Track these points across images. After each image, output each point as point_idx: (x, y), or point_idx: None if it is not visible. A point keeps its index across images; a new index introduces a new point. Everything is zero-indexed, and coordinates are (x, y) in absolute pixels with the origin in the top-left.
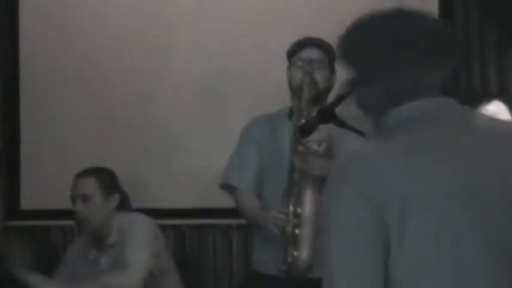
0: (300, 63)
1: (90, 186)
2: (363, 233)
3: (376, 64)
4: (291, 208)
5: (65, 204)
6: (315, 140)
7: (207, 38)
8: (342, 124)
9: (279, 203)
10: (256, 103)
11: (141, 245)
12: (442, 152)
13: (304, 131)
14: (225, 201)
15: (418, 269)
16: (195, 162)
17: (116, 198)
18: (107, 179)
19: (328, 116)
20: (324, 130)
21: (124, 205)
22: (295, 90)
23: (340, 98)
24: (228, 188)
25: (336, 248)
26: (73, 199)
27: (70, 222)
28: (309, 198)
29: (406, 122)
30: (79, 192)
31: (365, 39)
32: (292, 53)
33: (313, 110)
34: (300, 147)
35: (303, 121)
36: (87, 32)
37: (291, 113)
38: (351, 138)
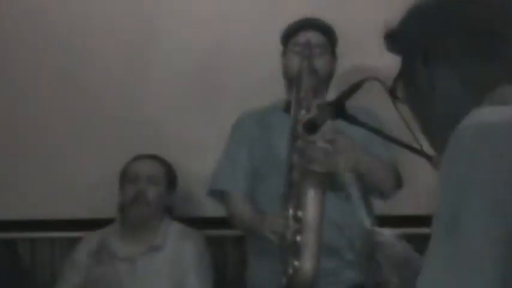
0: (297, 48)
1: (160, 170)
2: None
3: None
4: (291, 212)
5: (34, 214)
6: (338, 155)
7: (197, 29)
8: (353, 120)
9: (276, 208)
10: (251, 96)
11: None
12: None
13: (310, 128)
14: (218, 209)
15: None
16: (184, 165)
17: (172, 195)
18: (172, 170)
19: (338, 110)
20: (346, 139)
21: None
22: (292, 79)
23: (353, 89)
24: (217, 194)
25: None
26: (135, 179)
27: (40, 234)
28: (311, 199)
29: None
30: (147, 173)
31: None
32: (288, 36)
33: (313, 101)
34: (300, 142)
35: (303, 112)
36: (70, 27)
37: (287, 106)
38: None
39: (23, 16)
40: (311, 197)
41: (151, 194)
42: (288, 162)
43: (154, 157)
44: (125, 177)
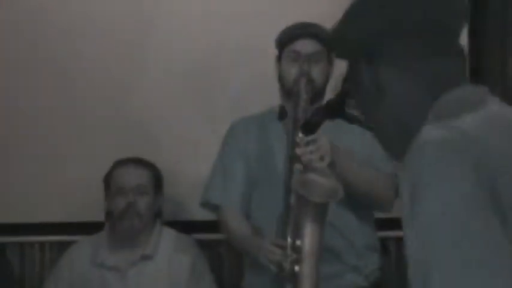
0: (293, 56)
1: (147, 177)
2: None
3: (408, 44)
4: (289, 240)
5: (23, 217)
6: (315, 152)
7: (190, 27)
8: (352, 119)
9: (272, 224)
10: (248, 97)
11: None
12: None
13: (307, 129)
14: (210, 214)
15: None
16: (178, 168)
17: (161, 201)
18: (158, 175)
19: (336, 110)
20: (324, 139)
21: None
22: (287, 88)
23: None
24: (210, 207)
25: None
26: (122, 189)
27: (29, 238)
28: (309, 229)
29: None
30: (134, 182)
31: (391, 11)
32: (284, 43)
33: (310, 109)
34: (298, 166)
35: (300, 135)
36: (66, 26)
37: (281, 113)
38: (355, 138)
39: (19, 14)
40: (309, 227)
41: (142, 205)
42: (285, 184)
43: (139, 162)
44: (111, 187)
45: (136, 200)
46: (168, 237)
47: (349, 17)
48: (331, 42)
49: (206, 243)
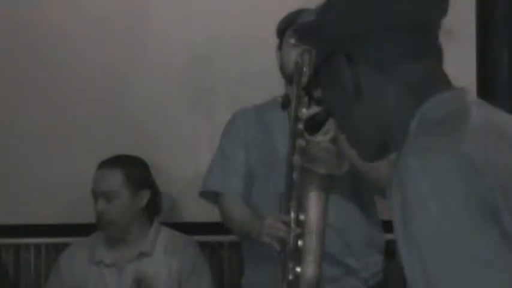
0: (293, 42)
1: (116, 181)
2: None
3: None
4: (292, 215)
5: (18, 219)
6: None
7: (188, 19)
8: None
9: (274, 211)
10: (246, 93)
11: None
12: None
13: (312, 126)
14: (212, 213)
15: None
16: (175, 167)
17: (146, 195)
18: (136, 171)
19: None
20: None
21: (155, 203)
22: (289, 74)
23: None
24: (210, 196)
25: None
26: (94, 195)
27: (25, 240)
28: (314, 201)
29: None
30: (102, 189)
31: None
32: (284, 29)
33: (315, 91)
34: (301, 141)
35: (304, 110)
36: (55, 18)
37: (284, 102)
38: None
39: (14, 12)
40: (314, 199)
41: (112, 212)
42: (289, 161)
43: (112, 163)
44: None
45: (106, 209)
46: (166, 236)
47: (328, 10)
48: (308, 32)
49: (206, 245)
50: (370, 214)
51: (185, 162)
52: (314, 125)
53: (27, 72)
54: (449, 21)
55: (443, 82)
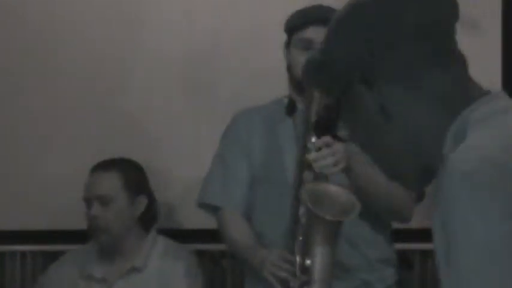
0: (304, 44)
1: (113, 184)
2: None
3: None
4: (298, 259)
5: (3, 225)
6: (329, 157)
7: (189, 17)
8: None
9: (276, 229)
10: (248, 92)
11: None
12: None
13: (320, 128)
14: (213, 220)
15: None
16: (174, 170)
17: (143, 202)
18: (134, 175)
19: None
20: (339, 143)
21: (151, 212)
22: (296, 80)
23: None
24: (208, 208)
25: None
26: (87, 200)
27: (9, 248)
28: (320, 249)
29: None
30: (96, 193)
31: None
32: (293, 29)
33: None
34: (308, 174)
35: (313, 140)
36: (46, 15)
37: (290, 107)
38: None
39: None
40: (320, 247)
41: (107, 219)
42: (295, 194)
43: (108, 166)
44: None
45: (101, 213)
46: (162, 249)
47: (334, 34)
48: (317, 73)
49: (207, 254)
50: (383, 224)
51: (185, 165)
52: (323, 127)
53: (20, 73)
54: (474, 15)
55: (473, 90)
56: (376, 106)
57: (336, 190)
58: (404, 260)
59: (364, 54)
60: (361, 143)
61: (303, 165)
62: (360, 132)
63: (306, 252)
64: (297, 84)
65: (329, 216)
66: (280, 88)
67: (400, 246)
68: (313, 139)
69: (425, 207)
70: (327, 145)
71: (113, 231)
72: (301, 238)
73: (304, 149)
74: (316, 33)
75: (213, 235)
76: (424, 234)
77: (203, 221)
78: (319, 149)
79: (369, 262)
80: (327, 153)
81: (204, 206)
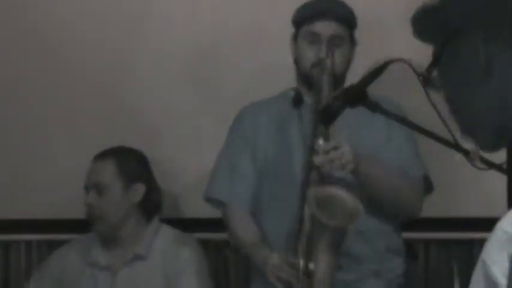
0: (311, 38)
1: (107, 172)
2: None
3: None
4: (301, 262)
5: (8, 214)
6: (336, 160)
7: (194, 9)
8: (375, 107)
9: (280, 227)
10: (254, 84)
11: None
12: None
13: (326, 117)
14: (217, 209)
15: None
16: (179, 160)
17: (139, 189)
18: (130, 163)
19: (358, 97)
20: (347, 146)
21: (152, 200)
22: (303, 73)
23: (375, 73)
24: (214, 202)
25: None
26: (86, 188)
27: (15, 237)
28: (324, 255)
29: None
30: (92, 180)
31: None
32: (301, 22)
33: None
34: (314, 178)
35: (320, 142)
36: (52, 5)
37: (297, 100)
38: (379, 136)
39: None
40: (323, 253)
41: (102, 207)
42: (302, 194)
43: (105, 155)
44: None
45: (95, 202)
46: (165, 236)
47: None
48: (426, 19)
49: (211, 243)
50: (391, 218)
51: (189, 155)
52: (328, 115)
53: (21, 68)
54: None
55: None
56: (484, 60)
57: (341, 192)
58: (409, 250)
59: (482, 12)
60: (451, 93)
61: (311, 166)
62: (454, 82)
63: (309, 256)
64: (304, 76)
65: (333, 223)
66: (284, 83)
67: (404, 235)
68: (321, 141)
69: (428, 198)
70: (335, 148)
71: (108, 219)
72: (304, 240)
73: (311, 150)
74: (324, 27)
75: (216, 224)
76: (428, 224)
77: (207, 210)
78: (326, 152)
79: (378, 252)
80: (334, 156)
81: (210, 200)
